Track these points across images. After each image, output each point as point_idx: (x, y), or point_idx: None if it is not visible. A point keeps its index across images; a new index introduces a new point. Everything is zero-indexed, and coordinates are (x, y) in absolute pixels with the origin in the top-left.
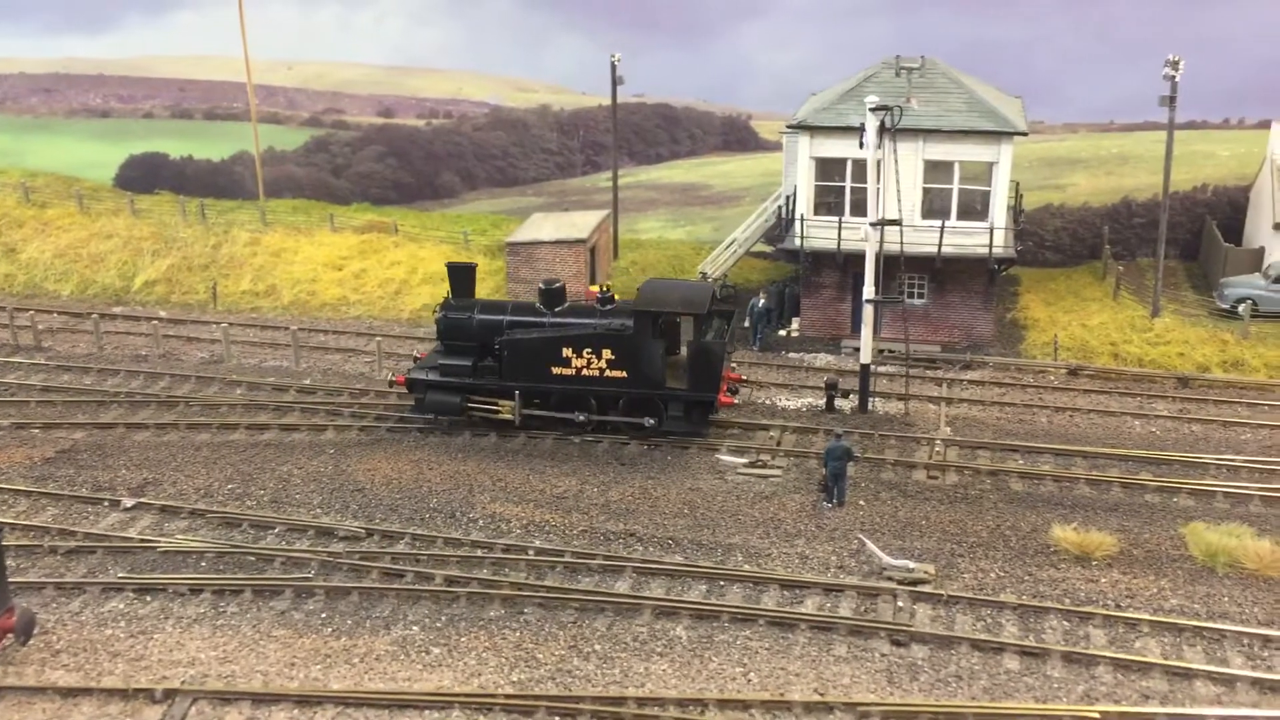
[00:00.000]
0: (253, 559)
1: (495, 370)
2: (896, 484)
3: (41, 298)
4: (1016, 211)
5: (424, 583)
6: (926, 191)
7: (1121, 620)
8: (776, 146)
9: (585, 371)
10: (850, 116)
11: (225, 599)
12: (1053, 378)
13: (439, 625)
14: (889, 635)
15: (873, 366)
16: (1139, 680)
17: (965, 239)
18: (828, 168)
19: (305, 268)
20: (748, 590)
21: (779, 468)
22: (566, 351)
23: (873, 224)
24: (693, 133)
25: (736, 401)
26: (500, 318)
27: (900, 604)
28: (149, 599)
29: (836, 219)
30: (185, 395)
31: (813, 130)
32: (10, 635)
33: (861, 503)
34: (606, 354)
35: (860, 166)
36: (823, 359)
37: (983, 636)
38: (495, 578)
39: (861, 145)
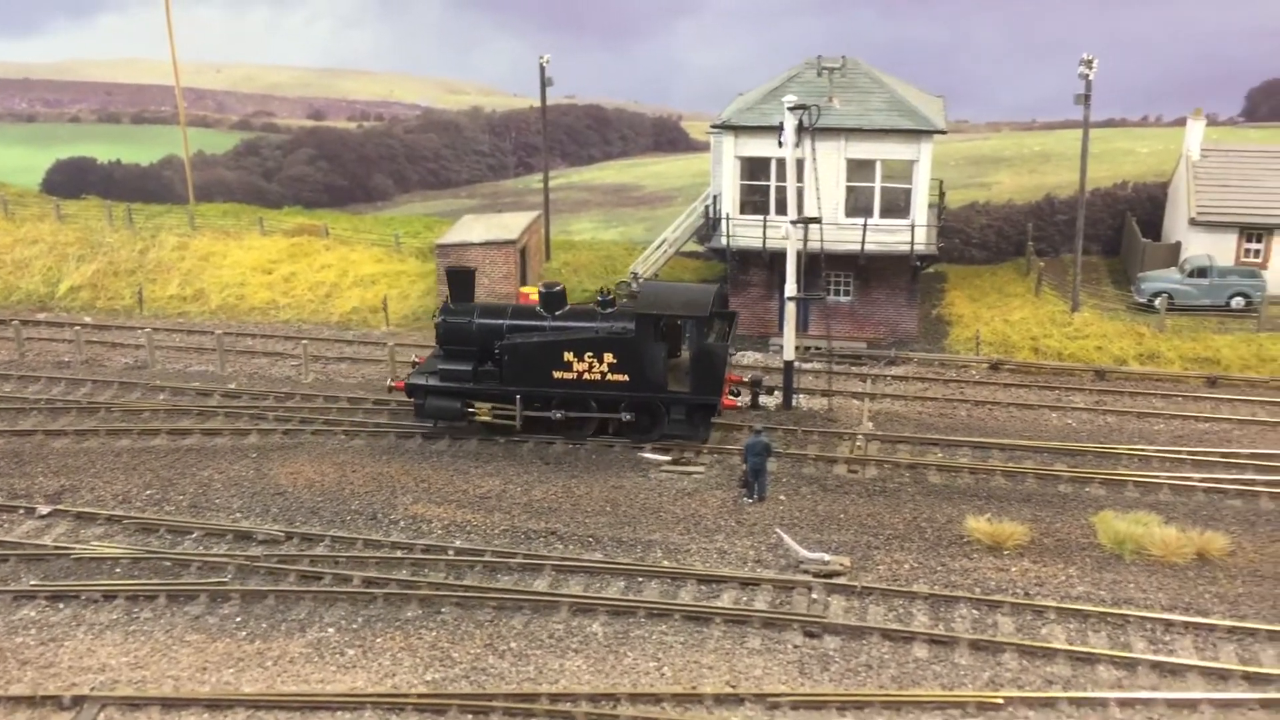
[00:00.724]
0: (169, 564)
1: (496, 375)
2: (817, 479)
3: None
4: (939, 209)
5: (342, 584)
6: (850, 190)
7: (1029, 608)
8: (707, 147)
9: (587, 376)
10: (773, 116)
11: (139, 605)
12: (974, 372)
13: (355, 627)
14: (802, 627)
15: (797, 363)
16: (1044, 666)
17: (888, 236)
18: (753, 167)
19: (234, 272)
20: (665, 586)
21: (702, 465)
22: (568, 355)
23: (793, 222)
24: (624, 134)
25: (740, 404)
26: (500, 322)
27: (815, 596)
28: (61, 606)
29: (762, 218)
30: (107, 401)
31: (737, 130)
32: None
33: (782, 498)
34: (608, 358)
35: (784, 165)
36: (750, 357)
37: (894, 626)
38: (414, 578)
39: (780, 144)
